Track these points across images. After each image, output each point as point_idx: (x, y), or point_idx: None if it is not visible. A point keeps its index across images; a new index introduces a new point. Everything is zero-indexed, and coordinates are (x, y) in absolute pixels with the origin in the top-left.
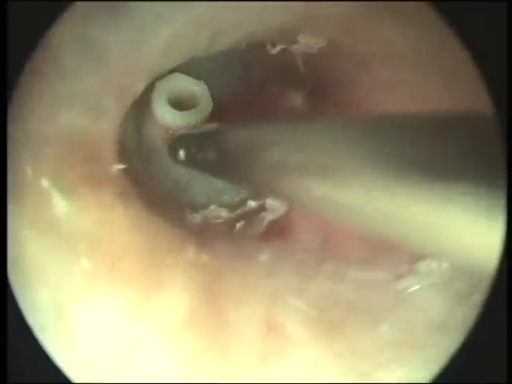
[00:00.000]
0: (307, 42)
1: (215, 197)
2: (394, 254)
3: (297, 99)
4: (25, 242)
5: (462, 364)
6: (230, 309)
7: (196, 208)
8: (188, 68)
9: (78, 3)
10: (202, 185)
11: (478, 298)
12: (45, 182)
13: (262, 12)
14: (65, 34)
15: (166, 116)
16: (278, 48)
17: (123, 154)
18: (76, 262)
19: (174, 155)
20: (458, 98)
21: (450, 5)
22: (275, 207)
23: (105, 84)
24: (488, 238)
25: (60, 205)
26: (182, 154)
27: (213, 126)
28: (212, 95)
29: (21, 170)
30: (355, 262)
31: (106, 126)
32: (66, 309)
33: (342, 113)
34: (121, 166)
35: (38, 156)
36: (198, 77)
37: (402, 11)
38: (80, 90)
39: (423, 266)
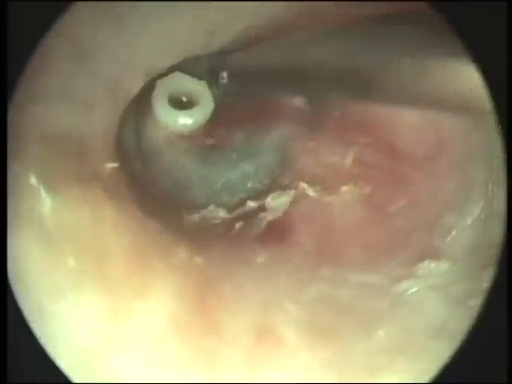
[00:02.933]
0: None
1: (214, 197)
2: (394, 257)
3: (299, 100)
4: (11, 240)
5: (462, 364)
6: (220, 314)
7: (194, 208)
8: (188, 67)
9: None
10: (202, 184)
11: (477, 302)
12: (33, 180)
13: (258, 3)
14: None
15: (166, 116)
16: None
17: (120, 153)
18: (62, 260)
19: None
20: None
21: (449, 5)
22: (275, 206)
23: (95, 79)
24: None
25: (46, 203)
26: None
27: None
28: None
29: (8, 168)
30: (354, 265)
31: (97, 123)
32: (48, 306)
33: (344, 112)
34: (114, 165)
35: (25, 154)
36: (199, 76)
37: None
38: (67, 85)
39: (422, 268)
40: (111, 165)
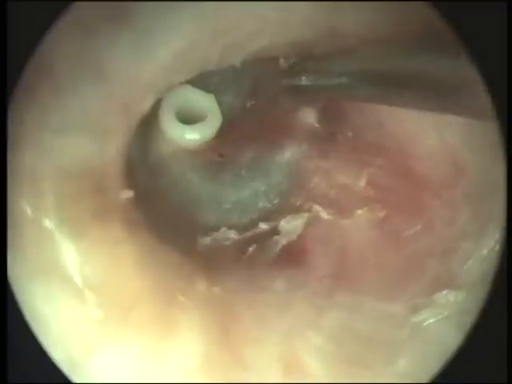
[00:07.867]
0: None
1: (225, 217)
2: (411, 283)
3: (310, 116)
4: (27, 293)
5: (462, 364)
6: (245, 348)
7: (205, 230)
8: (196, 80)
9: (77, 6)
10: (212, 202)
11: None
12: (47, 223)
13: (279, 23)
14: (61, 49)
15: (173, 130)
16: (292, 62)
17: (129, 173)
18: (87, 312)
19: None
20: None
21: (449, 5)
22: (289, 230)
23: (108, 104)
24: None
25: (66, 249)
26: None
27: None
28: (221, 109)
29: (19, 209)
30: (372, 292)
31: (112, 150)
32: (79, 363)
33: (358, 133)
34: (129, 194)
35: (37, 192)
36: (206, 89)
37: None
38: (80, 112)
39: (440, 298)
40: (126, 194)
